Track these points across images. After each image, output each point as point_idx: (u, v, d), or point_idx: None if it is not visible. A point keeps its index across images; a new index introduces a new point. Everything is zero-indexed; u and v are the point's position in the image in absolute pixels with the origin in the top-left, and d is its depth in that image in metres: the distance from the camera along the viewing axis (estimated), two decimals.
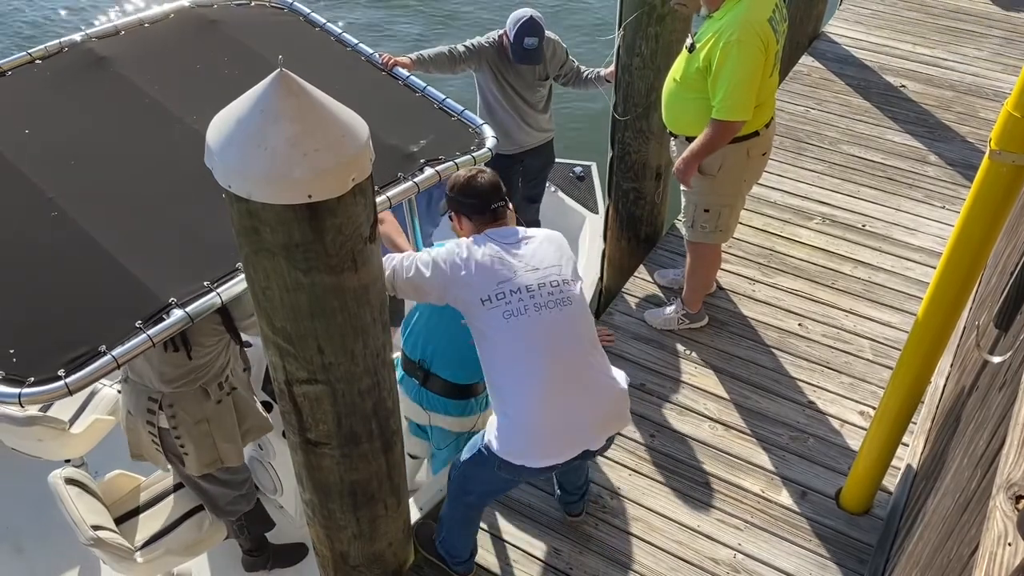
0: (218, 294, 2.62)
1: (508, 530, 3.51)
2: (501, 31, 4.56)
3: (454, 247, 2.69)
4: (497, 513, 3.57)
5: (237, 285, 2.67)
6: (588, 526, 3.51)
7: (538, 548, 3.44)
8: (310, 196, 1.95)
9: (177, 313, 2.55)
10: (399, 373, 3.42)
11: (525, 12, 4.39)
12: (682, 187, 3.90)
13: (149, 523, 3.53)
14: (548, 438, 2.66)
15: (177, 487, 3.59)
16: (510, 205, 2.87)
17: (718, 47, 3.40)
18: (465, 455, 2.93)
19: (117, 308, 2.56)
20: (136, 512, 3.57)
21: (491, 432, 2.72)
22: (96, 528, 3.16)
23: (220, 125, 1.99)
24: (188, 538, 3.48)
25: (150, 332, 2.50)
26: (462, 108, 3.45)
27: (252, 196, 1.96)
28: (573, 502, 3.46)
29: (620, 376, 2.80)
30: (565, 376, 2.64)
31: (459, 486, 2.99)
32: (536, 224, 5.08)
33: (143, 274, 2.65)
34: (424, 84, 3.53)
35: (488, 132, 3.40)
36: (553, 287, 2.66)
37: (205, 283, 2.63)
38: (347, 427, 2.52)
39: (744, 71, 3.39)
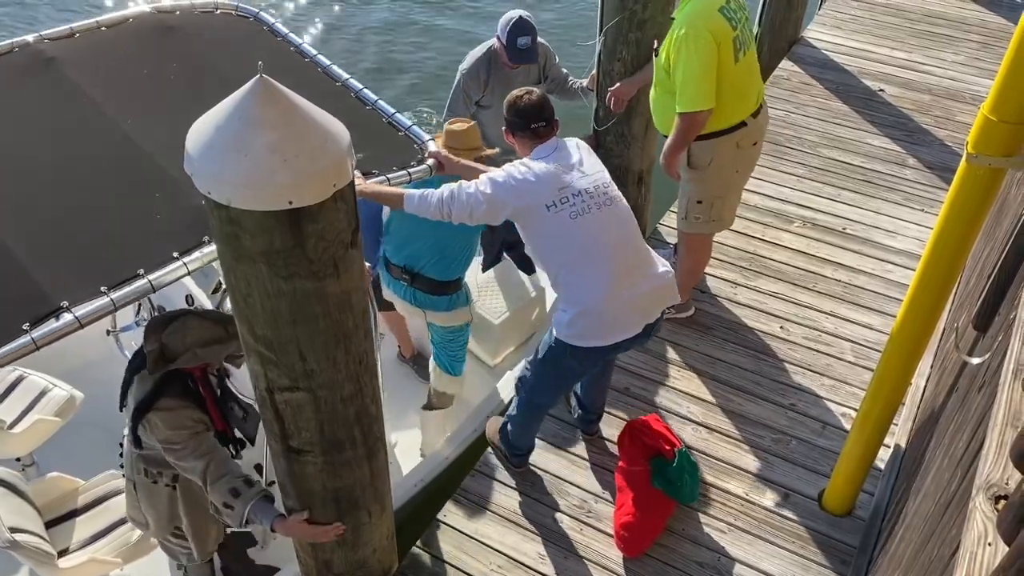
0: (112, 300, 2.56)
1: (493, 536, 3.50)
2: (488, 43, 4.55)
3: (509, 167, 3.02)
4: (483, 519, 3.56)
5: (134, 292, 2.61)
6: (573, 531, 3.51)
7: (523, 554, 3.43)
8: (291, 202, 1.94)
9: (66, 317, 2.50)
10: (387, 277, 3.82)
11: (514, 13, 4.39)
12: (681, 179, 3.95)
13: (84, 527, 3.46)
14: (622, 314, 3.06)
15: (117, 493, 3.53)
16: (556, 125, 3.14)
17: (671, 44, 3.53)
18: (536, 359, 3.29)
19: (7, 307, 2.51)
20: (73, 515, 3.50)
21: (561, 328, 3.08)
22: (15, 531, 3.09)
23: (200, 131, 1.98)
24: (116, 546, 3.40)
25: (34, 335, 2.45)
26: (409, 123, 3.43)
27: (232, 203, 1.94)
28: (592, 420, 3.83)
29: (665, 262, 3.21)
30: (628, 263, 3.05)
31: (532, 391, 3.39)
32: (521, 244, 5.06)
33: (38, 275, 2.61)
34: (375, 98, 3.51)
35: (432, 148, 3.35)
36: (605, 187, 3.06)
37: (102, 288, 2.58)
38: (330, 434, 2.51)
39: (697, 63, 3.48)
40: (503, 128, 3.21)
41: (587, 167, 3.07)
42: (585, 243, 2.98)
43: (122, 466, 3.17)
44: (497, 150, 3.87)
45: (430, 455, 3.99)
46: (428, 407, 4.14)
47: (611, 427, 3.89)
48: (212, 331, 2.78)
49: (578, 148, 3.13)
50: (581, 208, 2.97)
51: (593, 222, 2.98)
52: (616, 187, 3.13)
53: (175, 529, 3.16)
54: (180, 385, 2.80)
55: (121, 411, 2.97)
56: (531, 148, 3.10)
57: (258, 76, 1.92)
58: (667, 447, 3.54)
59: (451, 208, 3.01)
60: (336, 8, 9.39)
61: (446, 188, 3.03)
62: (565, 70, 4.78)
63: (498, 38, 4.47)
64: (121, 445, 3.13)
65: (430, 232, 3.51)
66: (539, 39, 4.59)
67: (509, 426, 3.59)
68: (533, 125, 3.08)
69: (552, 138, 3.12)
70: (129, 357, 4.15)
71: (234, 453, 3.04)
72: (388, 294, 3.93)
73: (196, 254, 2.70)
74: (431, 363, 4.12)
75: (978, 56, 6.58)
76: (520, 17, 4.35)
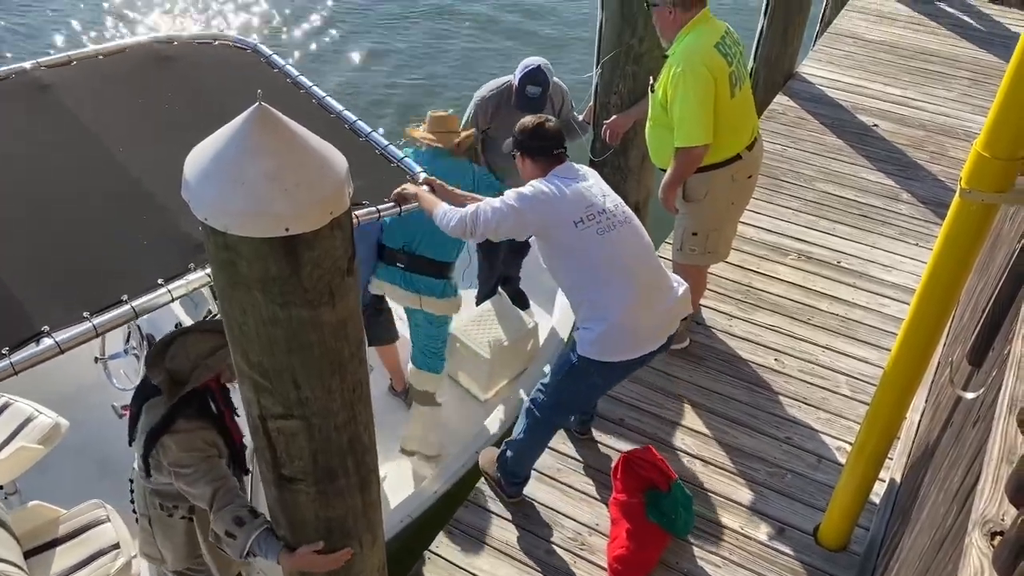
0: (94, 326, 2.54)
1: (486, 568, 3.47)
2: (507, 78, 4.58)
3: (536, 185, 3.12)
4: (475, 551, 3.53)
5: (117, 318, 2.59)
6: (567, 563, 3.47)
7: None
8: (287, 229, 1.94)
9: (47, 342, 2.48)
10: (381, 268, 3.98)
11: (534, 60, 4.41)
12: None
13: (64, 557, 3.40)
14: (647, 330, 3.18)
15: (98, 523, 3.48)
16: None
17: (668, 81, 3.57)
18: (555, 380, 3.34)
19: None
20: (53, 544, 3.45)
21: (586, 345, 3.14)
22: None
23: (198, 158, 1.98)
24: None
25: (13, 360, 2.43)
26: (402, 155, 3.46)
27: (229, 229, 1.94)
28: (587, 420, 3.97)
29: (678, 277, 3.37)
30: (649, 278, 3.18)
31: (550, 410, 3.41)
32: (516, 279, 5.08)
33: (21, 298, 2.60)
34: (369, 129, 3.53)
35: (423, 176, 3.38)
36: (623, 207, 3.19)
37: (85, 314, 2.55)
38: (323, 463, 2.49)
39: (694, 99, 3.52)
40: (516, 152, 3.28)
41: (603, 188, 3.20)
42: (612, 259, 3.09)
43: (132, 502, 3.12)
44: (473, 131, 4.23)
45: (418, 490, 3.95)
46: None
47: (606, 459, 3.87)
48: (212, 340, 2.77)
49: (591, 172, 3.26)
50: (607, 225, 3.08)
51: (618, 239, 3.09)
52: (629, 207, 3.24)
53: (189, 568, 3.10)
54: (196, 405, 2.78)
55: (130, 446, 2.94)
56: (546, 171, 3.18)
57: (257, 104, 1.93)
58: (662, 479, 3.52)
59: (475, 224, 3.08)
60: (337, 31, 9.49)
61: (470, 207, 3.12)
62: (576, 112, 4.76)
63: (515, 78, 4.49)
64: (131, 481, 3.09)
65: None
66: (560, 82, 4.60)
67: (509, 452, 3.59)
68: (556, 151, 3.20)
69: (567, 161, 3.23)
70: (117, 384, 4.15)
71: (248, 470, 3.01)
72: (380, 285, 3.98)
73: (181, 281, 2.69)
74: (409, 365, 4.20)
75: (969, 93, 6.66)
76: (538, 67, 4.34)
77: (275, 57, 3.81)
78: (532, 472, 3.73)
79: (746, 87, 3.77)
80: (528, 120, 3.26)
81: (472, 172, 4.07)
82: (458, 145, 4.05)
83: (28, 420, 3.94)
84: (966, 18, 7.58)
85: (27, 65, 3.55)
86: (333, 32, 9.56)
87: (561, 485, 3.78)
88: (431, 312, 4.00)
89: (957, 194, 2.45)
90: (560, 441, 3.94)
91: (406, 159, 3.45)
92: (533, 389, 3.49)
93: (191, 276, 2.70)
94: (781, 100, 6.53)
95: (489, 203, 3.10)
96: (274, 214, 1.91)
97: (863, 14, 7.61)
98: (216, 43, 3.88)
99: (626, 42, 4.09)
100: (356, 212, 3.10)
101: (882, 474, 3.37)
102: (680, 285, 3.29)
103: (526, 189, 3.11)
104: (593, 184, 3.18)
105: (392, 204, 3.20)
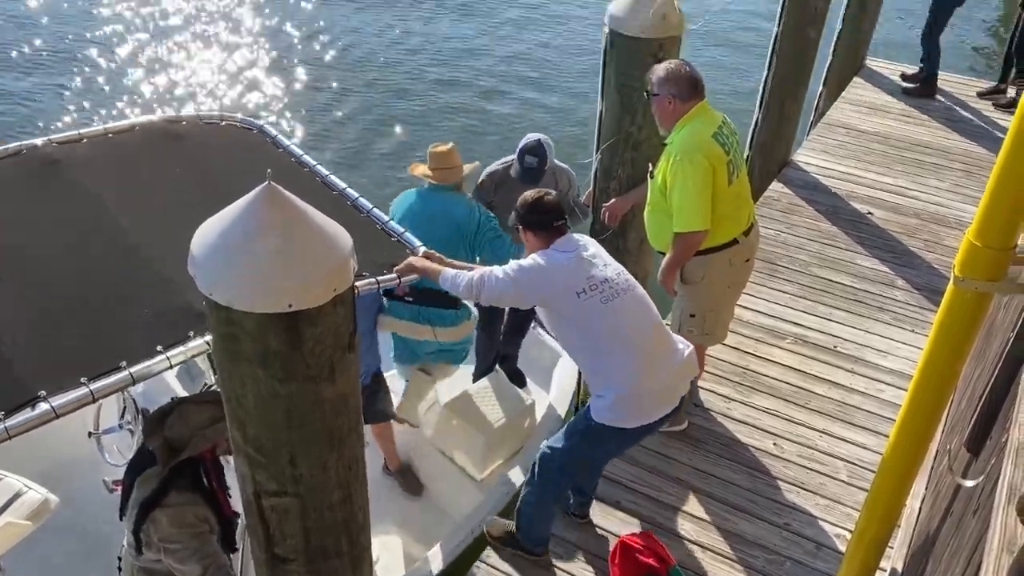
0: (91, 391, 2.53)
1: None
2: (511, 157, 4.67)
3: (535, 258, 3.20)
4: None
5: (114, 384, 2.58)
6: None
7: None
8: (291, 305, 1.97)
9: (42, 407, 2.46)
10: (388, 305, 4.07)
11: (535, 135, 4.57)
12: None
13: None
14: (654, 397, 3.22)
15: None
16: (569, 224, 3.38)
17: (668, 168, 3.66)
18: (568, 442, 3.36)
19: None
20: None
21: (602, 412, 3.19)
22: None
23: (206, 233, 2.02)
24: None
25: (7, 424, 2.42)
26: (403, 230, 3.50)
27: (233, 304, 1.97)
28: (586, 503, 3.92)
29: (683, 340, 3.41)
30: (656, 343, 3.23)
31: (559, 471, 3.45)
32: (515, 358, 5.07)
33: (18, 364, 2.61)
34: (371, 206, 3.60)
35: (423, 251, 3.41)
36: (625, 275, 3.25)
37: (82, 379, 2.55)
38: (316, 542, 2.46)
39: (693, 186, 3.60)
40: (518, 226, 3.35)
41: (605, 257, 3.27)
42: (615, 329, 3.14)
43: None
44: (477, 163, 4.42)
45: (411, 571, 3.87)
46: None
47: (603, 542, 3.81)
48: (211, 411, 2.77)
49: (592, 242, 3.34)
50: (610, 294, 3.13)
51: (622, 307, 3.14)
52: (631, 274, 3.32)
53: None
54: (190, 478, 2.76)
55: (121, 519, 2.90)
56: (549, 243, 3.24)
57: (266, 183, 1.98)
58: (661, 565, 3.46)
59: (481, 290, 3.16)
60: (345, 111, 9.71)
61: (477, 271, 3.21)
62: (580, 197, 4.83)
63: (516, 151, 4.60)
64: (119, 559, 3.04)
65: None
66: (566, 167, 4.72)
67: (524, 522, 3.64)
68: (556, 223, 3.25)
69: (568, 233, 3.30)
70: (109, 460, 4.10)
71: (237, 548, 2.97)
72: (390, 323, 4.05)
73: (180, 348, 2.69)
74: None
75: (961, 183, 6.78)
76: (537, 141, 4.50)
77: (280, 137, 3.90)
78: (529, 558, 3.67)
79: (743, 175, 3.86)
80: (528, 194, 3.34)
81: (477, 210, 4.19)
82: (463, 180, 4.19)
83: (17, 495, 3.87)
84: (957, 111, 7.79)
85: (38, 142, 3.64)
86: (339, 116, 9.78)
87: (560, 571, 3.71)
88: (446, 341, 4.10)
89: (951, 282, 2.48)
90: (557, 525, 3.88)
91: (406, 234, 3.51)
92: (542, 445, 3.50)
93: (190, 344, 2.71)
94: (776, 187, 6.65)
95: (493, 272, 3.17)
96: (278, 288, 1.94)
97: (856, 106, 7.82)
98: (223, 123, 3.98)
99: (625, 129, 4.20)
100: (356, 283, 3.13)
101: (883, 563, 3.31)
102: (686, 347, 3.34)
103: (526, 262, 3.19)
104: (595, 254, 3.24)
105: (392, 276, 3.24)
